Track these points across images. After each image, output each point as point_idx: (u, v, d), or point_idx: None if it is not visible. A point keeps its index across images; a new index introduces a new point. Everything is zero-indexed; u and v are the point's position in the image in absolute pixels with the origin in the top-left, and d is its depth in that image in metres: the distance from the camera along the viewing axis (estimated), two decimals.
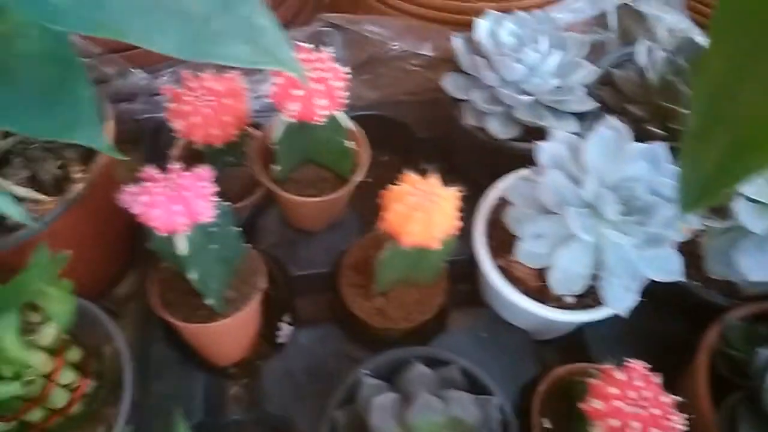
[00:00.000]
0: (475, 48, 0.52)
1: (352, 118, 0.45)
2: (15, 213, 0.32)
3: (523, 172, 0.47)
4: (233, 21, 0.34)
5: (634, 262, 0.41)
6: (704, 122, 0.37)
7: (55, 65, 0.32)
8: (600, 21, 0.58)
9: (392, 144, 0.60)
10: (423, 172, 0.42)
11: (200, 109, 0.42)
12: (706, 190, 0.37)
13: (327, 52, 0.41)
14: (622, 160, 0.43)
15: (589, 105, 0.51)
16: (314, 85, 0.37)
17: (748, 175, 0.35)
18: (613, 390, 0.37)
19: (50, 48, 0.33)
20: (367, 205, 0.56)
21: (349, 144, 0.44)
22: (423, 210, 0.39)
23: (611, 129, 0.44)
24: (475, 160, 0.54)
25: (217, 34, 0.33)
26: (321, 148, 0.43)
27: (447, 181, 0.42)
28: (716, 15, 0.37)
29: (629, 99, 0.53)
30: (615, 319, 0.44)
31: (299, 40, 0.59)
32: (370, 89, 0.59)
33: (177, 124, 0.43)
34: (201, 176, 0.39)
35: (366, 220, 0.56)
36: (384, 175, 0.58)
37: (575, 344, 0.51)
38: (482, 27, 0.52)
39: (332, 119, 0.40)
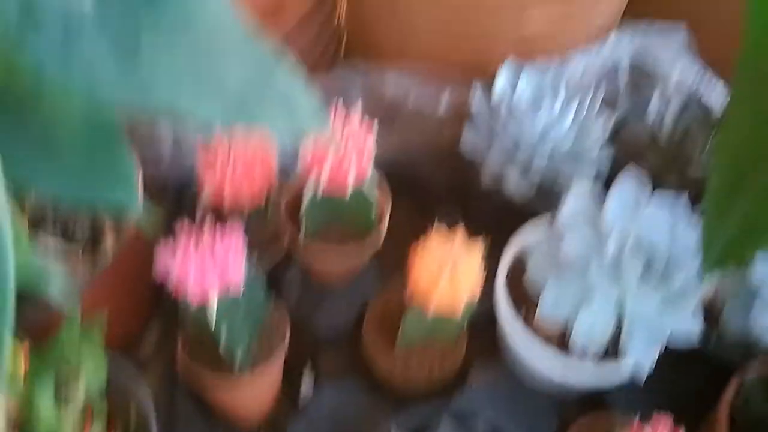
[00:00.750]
0: (492, 105, 0.53)
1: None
2: (58, 293, 0.33)
3: (542, 229, 0.48)
4: (271, 94, 0.35)
5: (656, 321, 0.42)
6: (728, 184, 0.37)
7: (95, 129, 0.34)
8: (611, 72, 0.59)
9: (409, 190, 0.61)
10: (447, 225, 0.43)
11: (230, 177, 0.43)
12: (730, 251, 0.37)
13: (356, 112, 0.42)
14: (643, 215, 0.44)
15: (605, 160, 0.52)
16: (344, 155, 0.39)
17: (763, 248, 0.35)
18: None
19: (91, 113, 0.34)
20: (386, 252, 0.57)
21: (375, 214, 0.45)
22: (449, 274, 0.40)
23: (631, 184, 0.45)
24: (492, 212, 0.56)
25: (256, 107, 0.34)
26: (347, 215, 0.45)
27: (466, 228, 0.43)
28: (736, 81, 0.38)
29: (644, 149, 0.54)
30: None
31: (320, 88, 0.61)
32: (389, 136, 0.60)
33: (207, 189, 0.44)
34: (232, 242, 0.40)
35: (386, 267, 0.57)
36: (402, 221, 0.59)
37: (594, 396, 0.51)
38: (499, 82, 0.54)
39: (359, 191, 0.41)
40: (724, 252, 0.36)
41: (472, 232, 0.45)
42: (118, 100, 0.34)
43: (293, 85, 0.38)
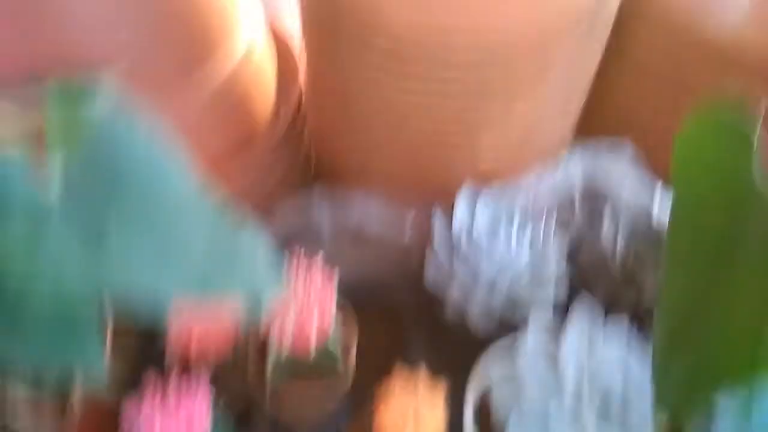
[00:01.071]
0: (452, 237, 0.55)
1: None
2: None
3: (504, 362, 0.49)
4: (232, 264, 0.37)
5: None
6: (670, 341, 0.39)
7: (63, 307, 0.35)
8: (565, 193, 0.62)
9: (378, 312, 0.63)
10: (412, 362, 0.45)
11: (197, 329, 0.44)
12: (678, 404, 0.39)
13: (319, 266, 0.44)
14: (596, 351, 0.46)
15: (562, 286, 0.54)
16: (305, 317, 0.40)
17: (714, 395, 0.37)
18: None
19: (59, 296, 0.35)
20: (357, 381, 0.57)
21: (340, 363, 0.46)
22: (412, 425, 0.41)
23: (584, 318, 0.47)
24: (457, 343, 0.57)
25: (218, 279, 0.36)
26: (313, 368, 0.46)
27: (430, 363, 0.44)
28: (669, 248, 0.41)
29: (598, 274, 0.57)
30: None
31: (285, 214, 0.63)
32: (356, 262, 0.62)
33: (174, 340, 0.45)
34: (198, 398, 0.41)
35: (357, 393, 0.57)
36: (372, 344, 0.60)
37: None
38: (458, 212, 0.56)
39: (322, 348, 0.43)
40: (674, 400, 0.37)
41: (438, 366, 0.46)
42: (85, 287, 0.36)
43: (253, 252, 0.40)
